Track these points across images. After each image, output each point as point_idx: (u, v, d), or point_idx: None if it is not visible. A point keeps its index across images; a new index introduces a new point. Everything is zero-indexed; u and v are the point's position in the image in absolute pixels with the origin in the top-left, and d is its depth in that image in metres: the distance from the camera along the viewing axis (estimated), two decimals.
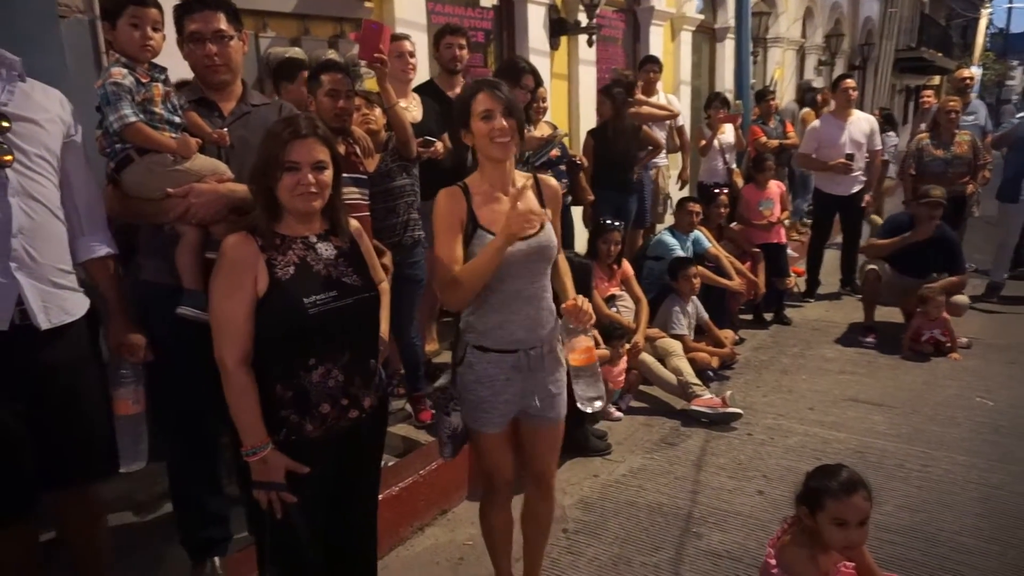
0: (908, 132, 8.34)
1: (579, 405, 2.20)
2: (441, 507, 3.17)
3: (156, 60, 2.08)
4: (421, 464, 3.14)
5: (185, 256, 2.06)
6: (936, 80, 22.07)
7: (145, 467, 2.25)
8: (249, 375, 1.77)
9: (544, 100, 4.35)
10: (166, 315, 2.08)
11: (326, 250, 1.87)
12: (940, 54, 20.06)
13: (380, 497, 2.85)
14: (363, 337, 1.93)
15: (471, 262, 2.02)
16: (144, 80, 2.01)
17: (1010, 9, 43.26)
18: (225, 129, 2.16)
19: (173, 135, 2.03)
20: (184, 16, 2.12)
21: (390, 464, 3.20)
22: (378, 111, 3.35)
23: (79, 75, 3.18)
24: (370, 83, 4.33)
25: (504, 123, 2.00)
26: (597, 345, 3.62)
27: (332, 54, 4.34)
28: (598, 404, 2.19)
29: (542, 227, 2.11)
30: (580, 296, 2.12)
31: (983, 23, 25.75)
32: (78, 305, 1.98)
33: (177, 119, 2.07)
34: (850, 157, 5.74)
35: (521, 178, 2.16)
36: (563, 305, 2.12)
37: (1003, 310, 5.79)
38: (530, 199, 2.13)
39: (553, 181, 2.28)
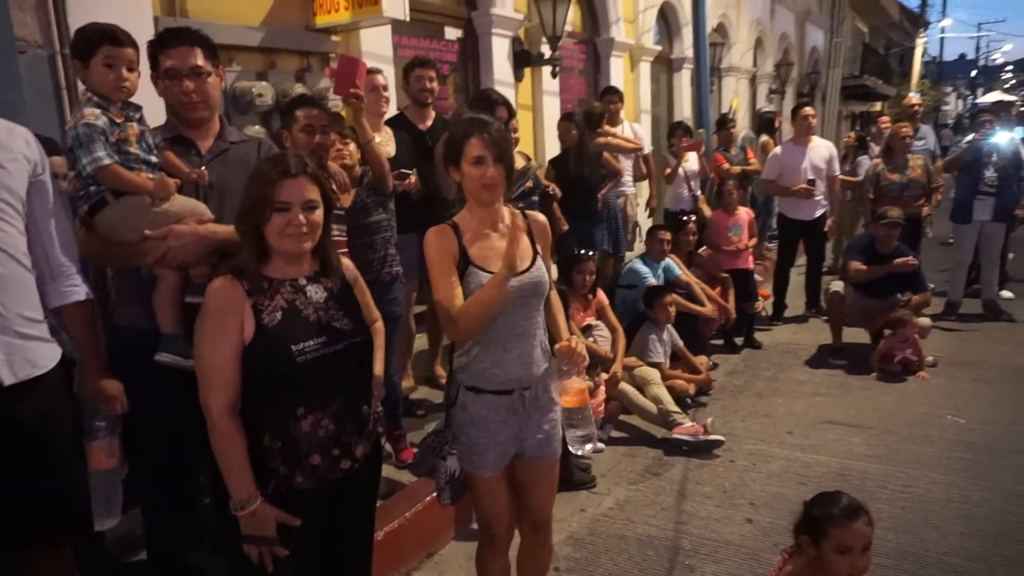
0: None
1: (570, 447, 2.16)
2: (428, 550, 3.07)
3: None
4: (406, 506, 3.05)
5: (164, 300, 1.97)
6: (878, 106, 23.03)
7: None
8: (236, 424, 1.70)
9: (516, 131, 4.36)
10: (143, 362, 1.98)
11: (316, 293, 1.81)
12: (881, 81, 20.91)
13: None
14: (355, 384, 1.86)
15: (474, 296, 1.99)
16: (118, 120, 1.94)
17: (942, 39, 45.48)
18: (203, 168, 2.08)
19: (150, 175, 1.95)
20: (159, 51, 2.05)
21: None
22: (352, 146, 3.31)
23: (38, 111, 3.08)
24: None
25: (495, 171, 1.99)
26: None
27: (300, 88, 4.30)
28: (588, 447, 2.16)
29: (534, 263, 2.09)
30: (574, 336, 2.10)
31: (919, 52, 27.03)
32: (47, 356, 1.86)
33: (153, 158, 1.99)
34: (811, 182, 5.89)
35: (508, 214, 2.15)
36: (556, 346, 2.09)
37: (962, 328, 5.95)
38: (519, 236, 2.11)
39: (541, 216, 2.27)
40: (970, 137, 6.16)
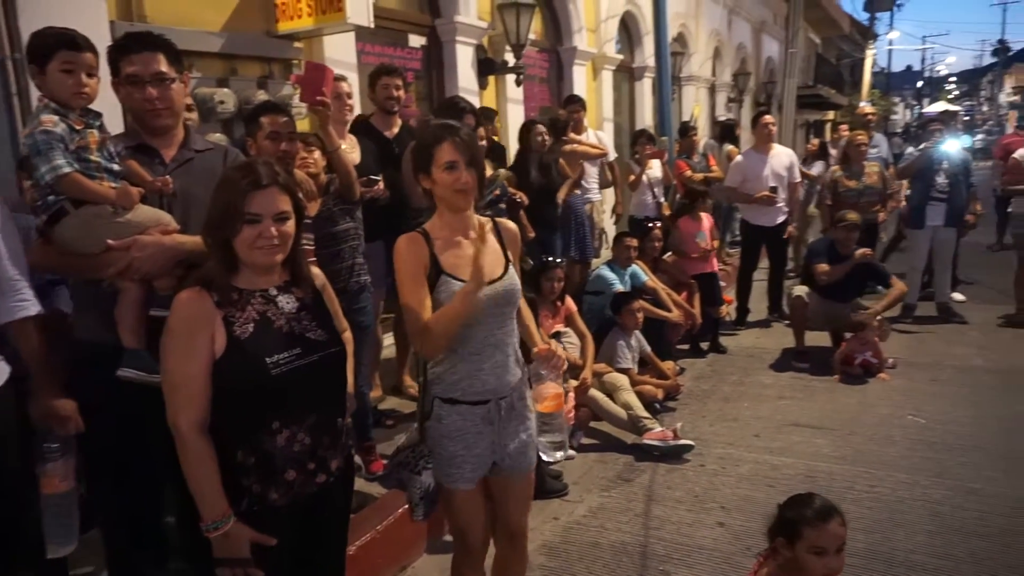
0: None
1: (542, 454, 2.15)
2: (401, 563, 3.02)
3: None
4: (377, 519, 3.00)
5: (127, 313, 1.90)
6: (831, 115, 23.65)
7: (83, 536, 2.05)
8: (207, 441, 1.63)
9: (484, 139, 4.35)
10: (105, 378, 1.90)
11: (287, 303, 1.76)
12: (834, 91, 21.48)
13: None
14: (330, 395, 1.82)
15: (443, 310, 1.96)
16: (78, 127, 1.87)
17: (890, 51, 47.00)
18: (168, 176, 2.02)
19: (112, 184, 1.88)
20: (120, 57, 1.98)
21: None
22: (317, 154, 3.25)
23: None
24: (302, 124, 4.23)
25: (468, 176, 1.97)
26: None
27: (262, 95, 4.22)
28: (559, 454, 2.16)
29: (506, 271, 2.08)
30: (553, 340, 2.09)
31: (868, 63, 27.87)
32: None
33: (116, 167, 1.92)
34: (773, 190, 6.01)
35: (480, 222, 2.13)
36: (535, 350, 2.07)
37: (918, 330, 6.12)
38: (491, 244, 2.10)
39: (512, 224, 2.25)
40: (922, 145, 6.35)
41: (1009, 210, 6.84)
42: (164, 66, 2.00)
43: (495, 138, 5.48)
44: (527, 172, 4.97)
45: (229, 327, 1.65)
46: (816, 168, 8.41)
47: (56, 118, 1.81)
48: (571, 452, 4.01)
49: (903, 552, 2.94)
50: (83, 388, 2.02)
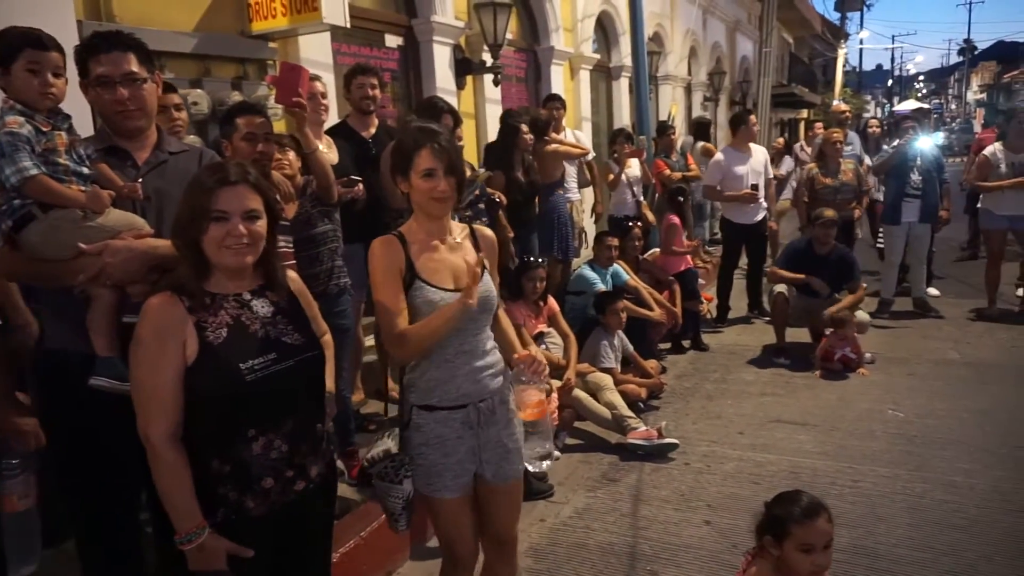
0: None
1: (527, 464, 2.12)
2: (386, 570, 2.97)
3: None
4: (360, 526, 2.95)
5: (100, 320, 1.84)
6: (805, 113, 23.94)
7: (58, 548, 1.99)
8: (179, 451, 1.59)
9: (462, 140, 4.32)
10: (75, 386, 1.84)
11: (262, 307, 1.72)
12: (807, 90, 21.74)
13: None
14: (308, 401, 1.77)
15: (424, 322, 1.94)
16: (45, 128, 1.80)
17: (861, 50, 47.73)
18: (140, 180, 1.96)
19: (82, 188, 1.82)
20: (89, 57, 1.92)
21: None
22: (291, 155, 3.20)
23: None
24: (278, 125, 4.17)
25: (446, 184, 1.94)
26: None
27: (237, 96, 4.15)
28: (546, 464, 2.13)
29: (482, 278, 2.03)
30: (533, 346, 2.07)
31: (840, 62, 28.27)
32: None
33: (85, 170, 1.86)
34: (755, 187, 6.05)
35: (457, 228, 2.12)
36: (515, 355, 2.05)
37: (895, 325, 6.19)
38: (468, 251, 2.08)
39: (489, 231, 2.24)
40: (895, 143, 6.42)
41: (979, 206, 6.94)
42: (135, 66, 1.94)
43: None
44: (511, 170, 4.91)
45: (201, 333, 1.61)
46: (784, 166, 8.52)
47: (22, 119, 1.74)
48: (556, 454, 4.00)
49: (886, 546, 2.96)
50: (56, 398, 1.95)
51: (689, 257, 6.05)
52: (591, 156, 6.45)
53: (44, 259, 1.82)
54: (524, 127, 4.97)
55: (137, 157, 2.01)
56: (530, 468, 2.12)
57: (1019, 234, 6.30)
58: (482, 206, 4.40)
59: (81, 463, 1.96)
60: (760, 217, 6.29)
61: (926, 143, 6.30)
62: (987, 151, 6.33)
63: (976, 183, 6.39)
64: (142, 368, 1.59)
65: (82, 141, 1.90)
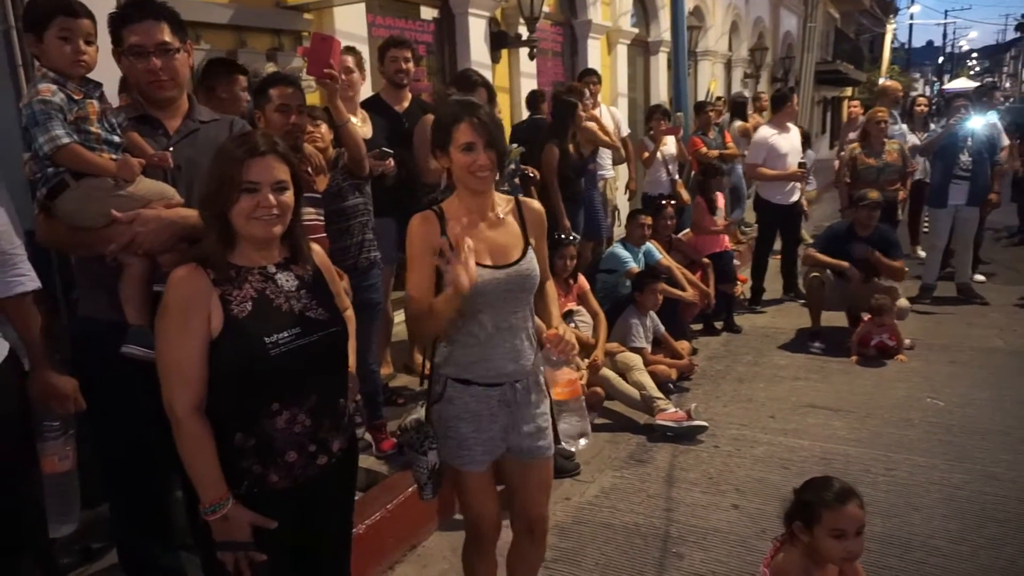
0: (826, 142, 8.75)
1: (563, 444, 2.10)
2: (411, 543, 2.99)
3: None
4: (387, 498, 2.97)
5: (131, 289, 1.85)
6: (849, 91, 23.23)
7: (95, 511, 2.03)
8: (204, 424, 1.59)
9: (499, 114, 4.26)
10: (109, 355, 1.87)
11: (287, 281, 1.69)
12: (852, 67, 21.09)
13: None
14: (331, 376, 1.76)
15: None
16: (77, 97, 1.81)
17: (911, 25, 46.13)
18: (170, 149, 1.96)
19: (113, 156, 1.83)
20: (122, 26, 1.92)
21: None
22: (324, 127, 3.19)
23: None
24: (311, 97, 4.16)
25: (486, 158, 1.89)
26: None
27: (271, 67, 4.15)
28: (583, 442, 2.11)
29: (524, 255, 2.00)
30: (562, 324, 2.03)
31: (888, 38, 27.33)
32: None
33: (117, 139, 1.87)
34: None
35: (503, 201, 2.06)
36: (545, 334, 2.01)
37: (936, 311, 6.01)
38: (511, 226, 2.02)
39: (537, 204, 2.15)
40: (944, 122, 6.18)
41: None
42: (168, 36, 1.93)
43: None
44: (566, 147, 4.80)
45: (226, 306, 1.59)
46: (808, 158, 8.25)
47: (54, 87, 1.75)
48: (590, 433, 3.98)
49: (920, 537, 2.88)
50: (89, 365, 1.99)
51: (726, 239, 5.93)
52: (625, 132, 6.34)
53: (78, 227, 1.84)
54: (580, 104, 4.88)
55: (168, 126, 2.01)
56: (566, 446, 2.10)
57: None
58: (517, 181, 4.37)
59: (114, 429, 2.00)
60: (796, 197, 6.13)
61: (979, 123, 6.04)
62: None
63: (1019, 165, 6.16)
64: (167, 340, 1.59)
65: (113, 110, 1.91)
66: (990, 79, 66.18)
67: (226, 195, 1.60)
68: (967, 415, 4.00)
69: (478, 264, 1.92)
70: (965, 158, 5.93)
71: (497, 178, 1.99)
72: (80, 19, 1.81)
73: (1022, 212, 8.53)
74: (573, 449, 2.10)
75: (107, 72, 1.99)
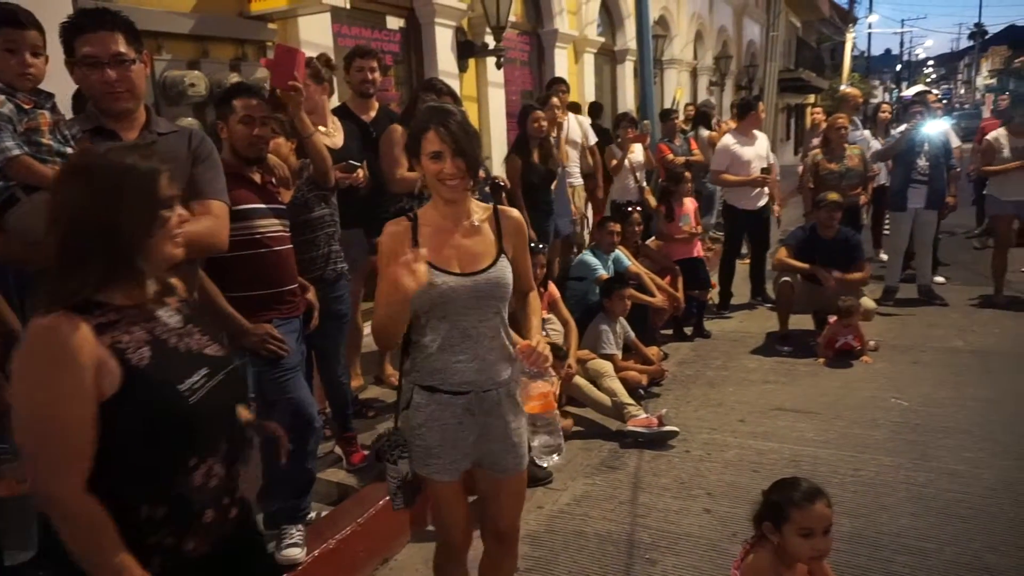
0: (791, 148, 8.89)
1: (535, 458, 2.09)
2: (383, 555, 2.96)
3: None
4: (358, 511, 2.94)
5: None
6: (812, 98, 23.72)
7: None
8: (96, 503, 1.28)
9: None
10: None
11: (170, 317, 1.45)
12: (814, 75, 21.54)
13: (316, 552, 2.68)
14: (236, 416, 1.57)
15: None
16: (27, 107, 1.77)
17: (870, 34, 47.32)
18: None
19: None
20: (75, 36, 1.87)
21: (324, 514, 2.98)
22: (280, 139, 3.15)
23: None
24: None
25: (453, 166, 1.87)
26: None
27: (235, 78, 4.11)
28: (555, 458, 2.10)
29: (494, 263, 1.98)
30: (537, 337, 2.02)
31: (848, 46, 27.97)
32: None
33: (70, 150, 1.83)
34: (766, 171, 5.98)
35: (480, 209, 2.05)
36: (518, 346, 2.00)
37: (899, 312, 6.13)
38: (486, 235, 2.01)
39: (515, 213, 2.12)
40: (902, 128, 6.34)
41: (984, 192, 6.87)
42: (123, 46, 1.89)
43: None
44: (529, 157, 4.90)
45: (121, 356, 1.31)
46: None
47: (2, 98, 1.71)
48: (563, 448, 3.95)
49: (888, 536, 2.93)
50: None
51: (698, 245, 6.00)
52: (594, 141, 6.38)
53: (30, 242, 1.79)
54: (539, 112, 4.93)
55: (124, 138, 1.96)
56: (538, 462, 2.09)
57: None
58: (487, 189, 4.37)
59: None
60: (763, 203, 6.22)
61: (933, 128, 6.21)
62: (990, 136, 6.26)
63: (981, 168, 6.33)
64: (42, 406, 1.26)
65: (67, 122, 1.87)
66: (946, 86, 68.13)
67: (150, 216, 1.36)
68: (931, 414, 4.08)
69: (444, 271, 1.92)
70: (922, 163, 6.08)
71: (471, 186, 1.96)
72: (26, 30, 1.77)
73: (980, 213, 8.76)
74: (545, 465, 2.09)
75: (63, 83, 1.95)
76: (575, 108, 6.37)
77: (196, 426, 1.40)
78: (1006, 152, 6.01)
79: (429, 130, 1.89)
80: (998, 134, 6.16)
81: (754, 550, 2.17)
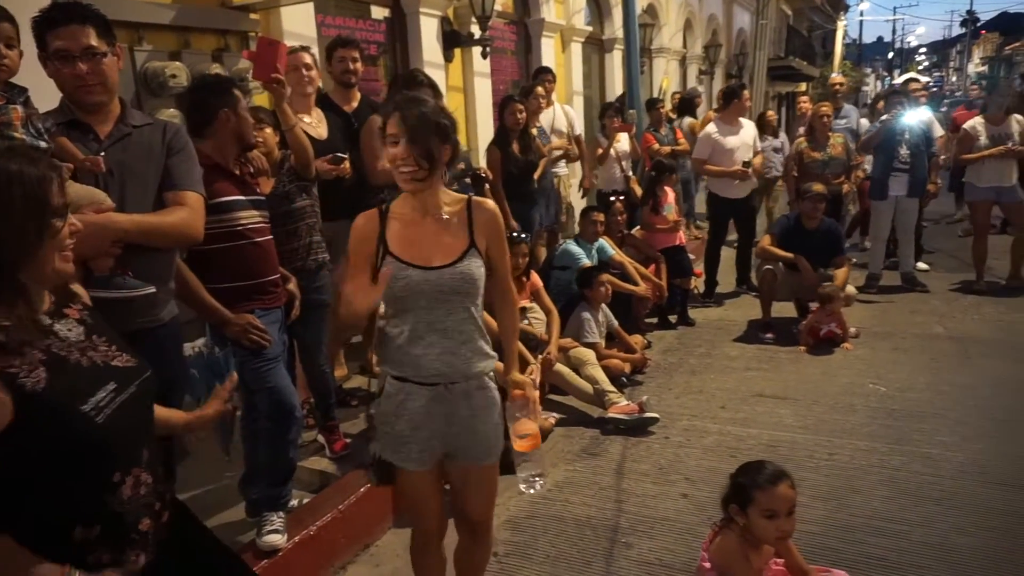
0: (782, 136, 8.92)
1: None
2: (364, 542, 3.00)
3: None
4: (339, 498, 2.98)
5: None
6: (803, 87, 23.72)
7: None
8: (5, 537, 1.22)
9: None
10: None
11: (69, 330, 1.35)
12: (805, 63, 21.53)
13: (296, 539, 2.72)
14: (152, 424, 1.51)
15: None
16: None
17: (861, 22, 47.34)
18: (102, 154, 1.94)
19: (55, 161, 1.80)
20: (46, 30, 1.89)
21: (305, 501, 3.03)
22: (268, 130, 3.17)
23: None
24: (259, 99, 4.13)
25: (404, 151, 1.86)
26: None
27: (217, 69, 4.11)
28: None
29: (462, 258, 1.97)
30: (527, 381, 2.09)
31: (840, 34, 27.99)
32: None
33: (43, 144, 1.84)
34: (747, 164, 6.01)
35: (452, 201, 2.04)
36: (512, 393, 2.08)
37: (881, 300, 6.19)
38: (456, 227, 2.02)
39: (490, 204, 2.10)
40: (883, 117, 6.38)
41: (963, 180, 6.94)
42: (94, 40, 1.91)
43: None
44: (508, 147, 4.94)
45: (11, 383, 1.20)
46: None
47: None
48: (546, 476, 3.97)
49: (860, 518, 2.99)
50: None
51: (681, 234, 6.04)
52: (579, 131, 6.41)
53: None
54: (517, 104, 4.96)
55: (99, 131, 1.99)
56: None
57: (1005, 207, 6.31)
58: (467, 180, 4.40)
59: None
60: (748, 192, 6.26)
61: (913, 117, 6.25)
62: (967, 124, 6.32)
63: (959, 156, 6.39)
64: None
65: (40, 115, 1.88)
66: (938, 73, 68.20)
67: (37, 227, 1.25)
68: (907, 399, 4.15)
69: (409, 264, 1.94)
70: (903, 151, 6.13)
71: (425, 177, 1.92)
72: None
73: (959, 200, 8.84)
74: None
75: (37, 77, 1.96)
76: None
77: (110, 443, 1.31)
78: (983, 140, 6.07)
79: (391, 116, 1.90)
80: (975, 122, 6.22)
81: (722, 532, 2.23)
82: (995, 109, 6.17)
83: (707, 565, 2.20)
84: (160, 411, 1.58)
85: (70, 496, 1.28)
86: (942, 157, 7.21)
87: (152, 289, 2.02)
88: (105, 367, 1.35)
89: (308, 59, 3.66)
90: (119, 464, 1.35)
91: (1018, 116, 6.20)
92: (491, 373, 2.09)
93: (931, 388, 4.29)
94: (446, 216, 2.01)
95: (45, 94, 2.01)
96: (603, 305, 4.69)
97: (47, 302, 1.35)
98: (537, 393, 2.08)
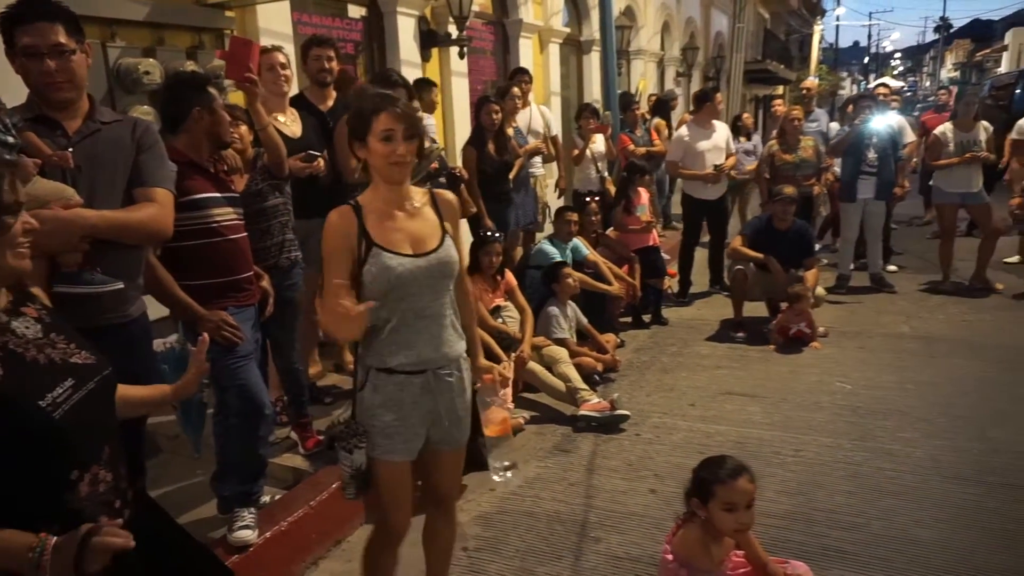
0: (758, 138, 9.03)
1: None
2: (336, 537, 3.02)
3: None
4: (311, 495, 3.00)
5: None
6: (780, 90, 24.02)
7: None
8: None
9: (420, 111, 4.30)
10: None
11: (27, 328, 1.35)
12: (782, 66, 21.80)
13: (268, 534, 2.74)
14: (113, 420, 1.51)
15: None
16: None
17: (837, 26, 48.01)
18: (70, 150, 1.95)
19: (7, 157, 1.81)
20: (14, 27, 1.89)
21: (277, 497, 3.04)
22: (244, 128, 3.19)
23: None
24: (234, 97, 4.12)
25: (404, 148, 1.94)
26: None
27: (191, 66, 4.10)
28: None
29: (442, 242, 2.05)
30: (496, 367, 2.13)
31: (816, 38, 28.37)
32: None
33: (11, 139, 1.84)
34: (718, 167, 6.09)
35: (418, 193, 2.11)
36: (480, 380, 2.13)
37: (849, 300, 6.31)
38: (428, 216, 2.08)
39: (450, 194, 2.21)
40: (853, 122, 6.50)
41: (930, 183, 7.10)
42: (63, 37, 1.92)
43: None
44: (484, 147, 4.97)
45: None
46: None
47: None
48: (517, 466, 3.99)
49: (823, 512, 3.07)
50: None
51: (655, 234, 6.12)
52: (556, 132, 6.45)
53: None
54: (492, 104, 4.99)
55: (67, 127, 1.99)
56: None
57: (971, 209, 6.47)
58: (443, 180, 4.42)
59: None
60: (721, 193, 6.36)
61: (881, 122, 6.39)
62: (937, 130, 6.46)
63: (929, 162, 6.54)
64: None
65: (8, 110, 1.88)
66: (912, 78, 69.30)
67: None
68: (873, 397, 4.25)
69: (399, 253, 1.97)
70: (871, 155, 6.25)
71: (409, 168, 2.00)
72: None
73: (927, 202, 9.02)
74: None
75: (3, 72, 1.96)
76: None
77: (68, 440, 1.30)
78: (951, 146, 6.23)
79: (383, 111, 1.93)
80: (945, 128, 6.37)
81: (684, 525, 2.28)
82: (963, 115, 6.32)
83: (669, 557, 2.25)
84: (121, 390, 1.55)
85: (27, 491, 1.28)
86: (913, 161, 7.36)
87: (120, 285, 2.03)
88: (63, 364, 1.36)
89: (282, 58, 3.67)
90: (78, 460, 1.34)
91: (985, 123, 6.36)
92: (465, 355, 2.16)
93: (895, 386, 4.39)
94: (417, 205, 2.08)
95: (11, 90, 2.01)
96: (571, 302, 4.73)
97: (3, 300, 1.35)
98: (500, 381, 2.11)
